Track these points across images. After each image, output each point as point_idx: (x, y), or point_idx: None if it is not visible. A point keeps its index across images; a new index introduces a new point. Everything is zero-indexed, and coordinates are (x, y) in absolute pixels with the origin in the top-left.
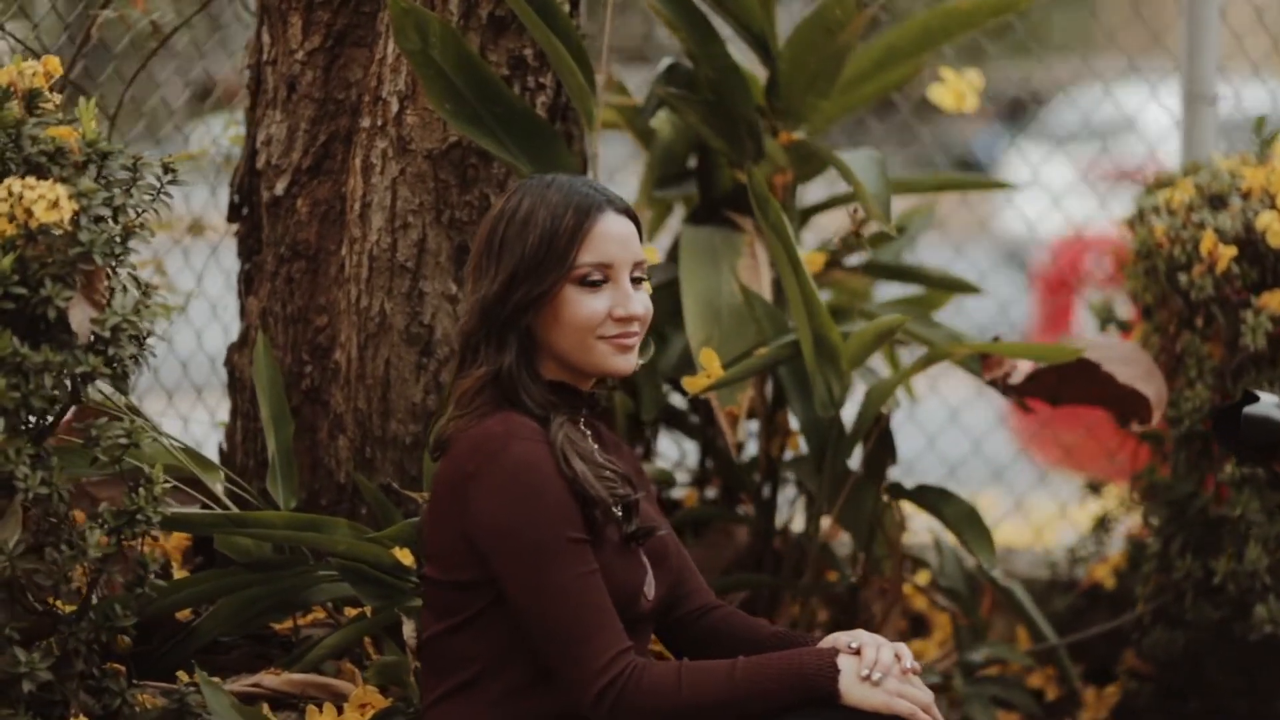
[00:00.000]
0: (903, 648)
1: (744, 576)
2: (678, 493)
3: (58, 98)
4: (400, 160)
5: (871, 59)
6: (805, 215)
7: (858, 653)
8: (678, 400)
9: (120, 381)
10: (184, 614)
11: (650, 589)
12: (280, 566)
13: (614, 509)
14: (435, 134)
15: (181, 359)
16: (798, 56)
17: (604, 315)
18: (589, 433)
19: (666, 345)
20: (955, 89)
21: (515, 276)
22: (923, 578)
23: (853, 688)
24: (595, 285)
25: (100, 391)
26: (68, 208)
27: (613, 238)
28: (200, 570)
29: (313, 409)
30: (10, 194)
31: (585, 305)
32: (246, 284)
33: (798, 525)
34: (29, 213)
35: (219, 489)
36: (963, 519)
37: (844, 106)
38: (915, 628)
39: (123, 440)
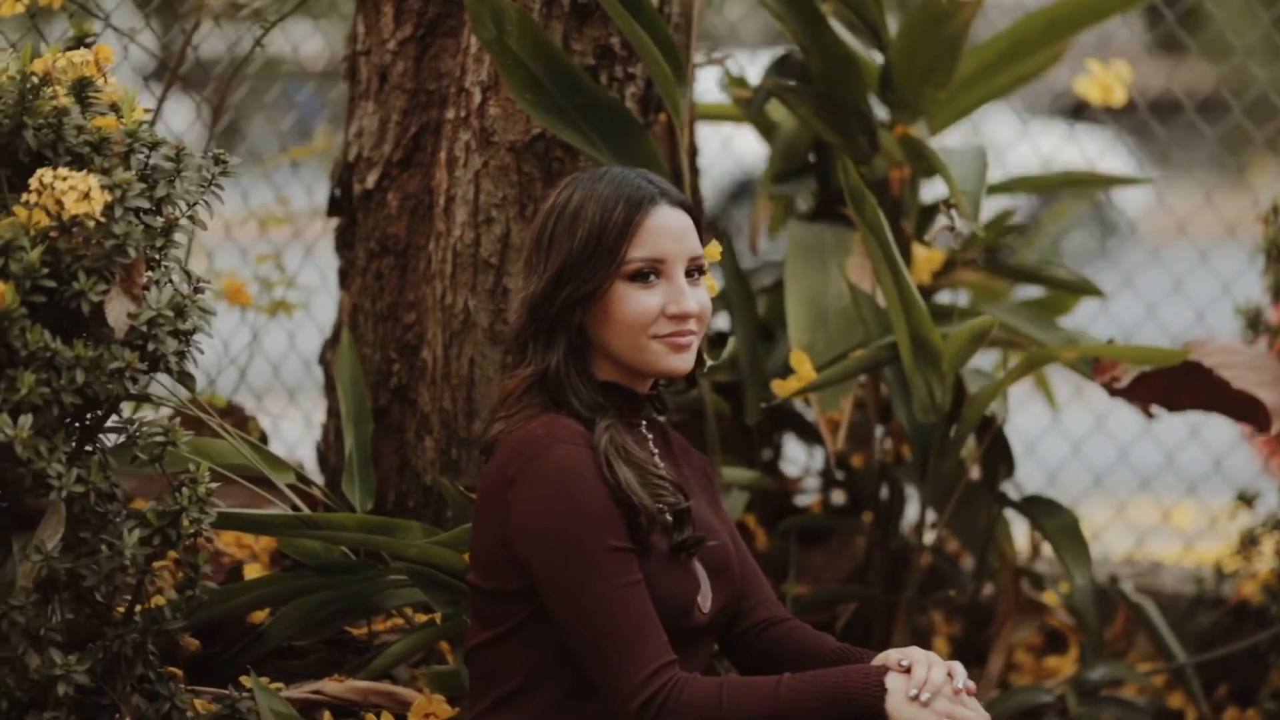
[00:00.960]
0: (956, 666)
1: (843, 588)
2: (805, 499)
3: (113, 86)
4: (483, 153)
5: (998, 51)
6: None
7: (908, 671)
8: (800, 404)
9: (186, 379)
10: (259, 616)
11: (706, 601)
12: (348, 570)
13: (663, 517)
14: (518, 125)
15: (305, 358)
16: (908, 47)
17: (656, 313)
18: (650, 436)
19: (775, 346)
20: (1102, 82)
21: (563, 273)
22: (1054, 592)
23: (900, 708)
24: (647, 281)
25: (165, 388)
26: (99, 199)
27: (665, 231)
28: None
29: (401, 408)
30: (42, 184)
31: (637, 302)
32: (342, 279)
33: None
34: (60, 204)
35: (287, 489)
36: (1062, 531)
37: (975, 100)
38: (1052, 644)
39: (159, 439)
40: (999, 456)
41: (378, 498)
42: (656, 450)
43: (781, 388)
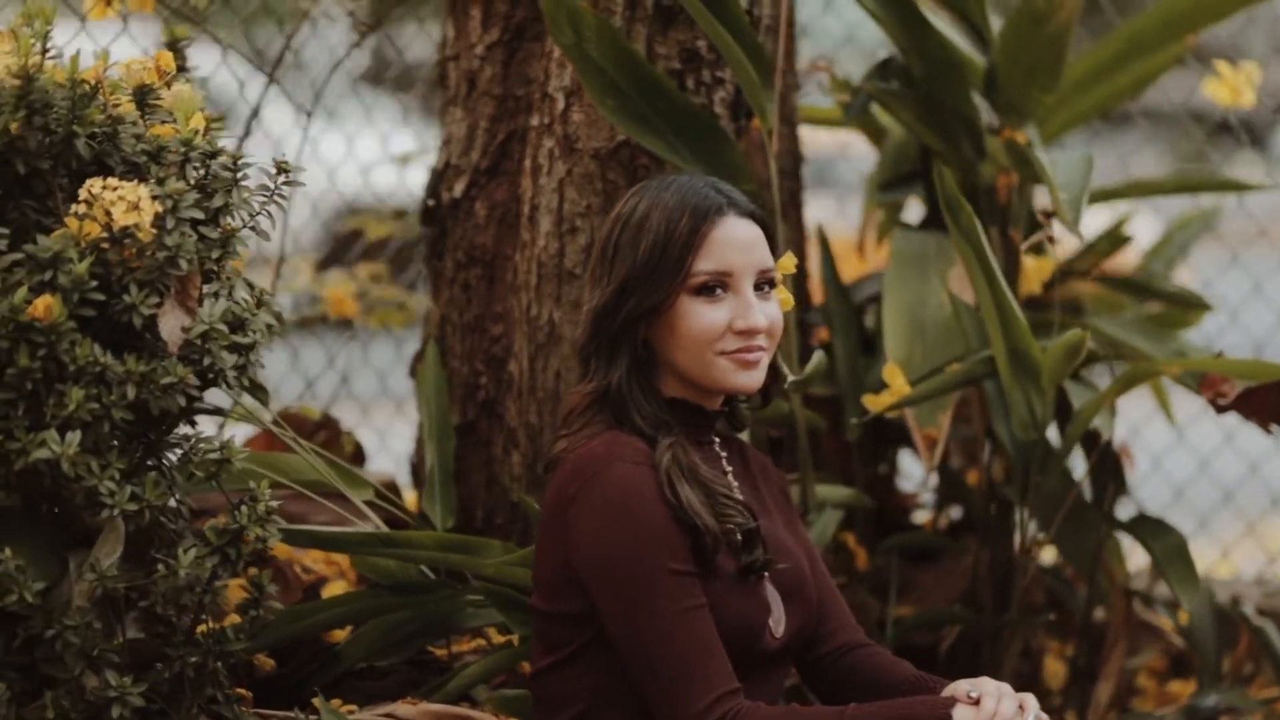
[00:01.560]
0: (1029, 698)
1: (942, 610)
2: (920, 516)
3: (187, 91)
4: (567, 160)
5: (1111, 52)
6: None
7: (977, 703)
8: None
9: (259, 392)
10: (340, 635)
11: (778, 625)
12: (424, 590)
13: (731, 538)
14: (602, 132)
15: None
16: (1010, 49)
17: (723, 328)
18: (724, 454)
19: (879, 359)
20: (1231, 83)
21: (627, 285)
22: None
23: None
24: (713, 295)
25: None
26: (149, 210)
27: (733, 243)
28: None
29: (488, 422)
30: (91, 195)
31: (702, 317)
32: (433, 290)
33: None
34: (109, 215)
35: (364, 505)
36: (1169, 553)
37: (1092, 103)
38: (1176, 668)
39: (214, 455)
40: (1108, 474)
41: (466, 514)
42: (730, 468)
43: (874, 403)
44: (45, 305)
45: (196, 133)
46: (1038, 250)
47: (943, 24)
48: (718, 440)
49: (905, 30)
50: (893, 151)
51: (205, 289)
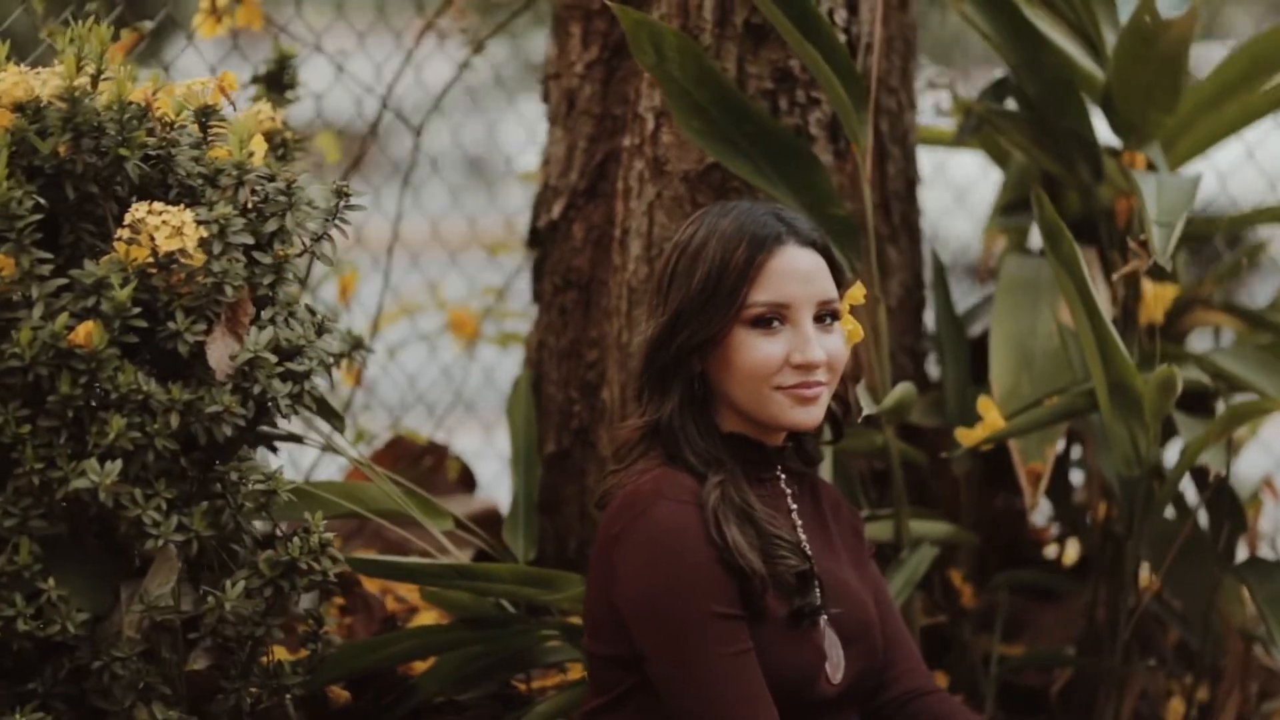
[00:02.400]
0: None
1: (1043, 651)
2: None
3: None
4: (657, 183)
5: (1236, 70)
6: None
7: None
8: None
9: (334, 418)
10: (421, 667)
11: (836, 671)
12: (498, 624)
13: (782, 581)
14: (691, 154)
15: None
16: (1125, 68)
17: (780, 362)
18: (790, 491)
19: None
20: None
21: (681, 316)
22: None
23: None
24: (770, 327)
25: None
26: (193, 235)
27: (791, 274)
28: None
29: (582, 451)
30: (135, 220)
31: (758, 350)
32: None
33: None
34: (153, 240)
35: (441, 536)
36: (1272, 600)
37: (1221, 123)
38: None
39: (260, 486)
40: (1223, 513)
41: (559, 544)
42: (795, 506)
43: (966, 436)
44: (86, 332)
45: (251, 155)
46: (1158, 276)
47: (1059, 38)
48: (784, 477)
49: (1017, 48)
50: (1015, 174)
51: (263, 315)
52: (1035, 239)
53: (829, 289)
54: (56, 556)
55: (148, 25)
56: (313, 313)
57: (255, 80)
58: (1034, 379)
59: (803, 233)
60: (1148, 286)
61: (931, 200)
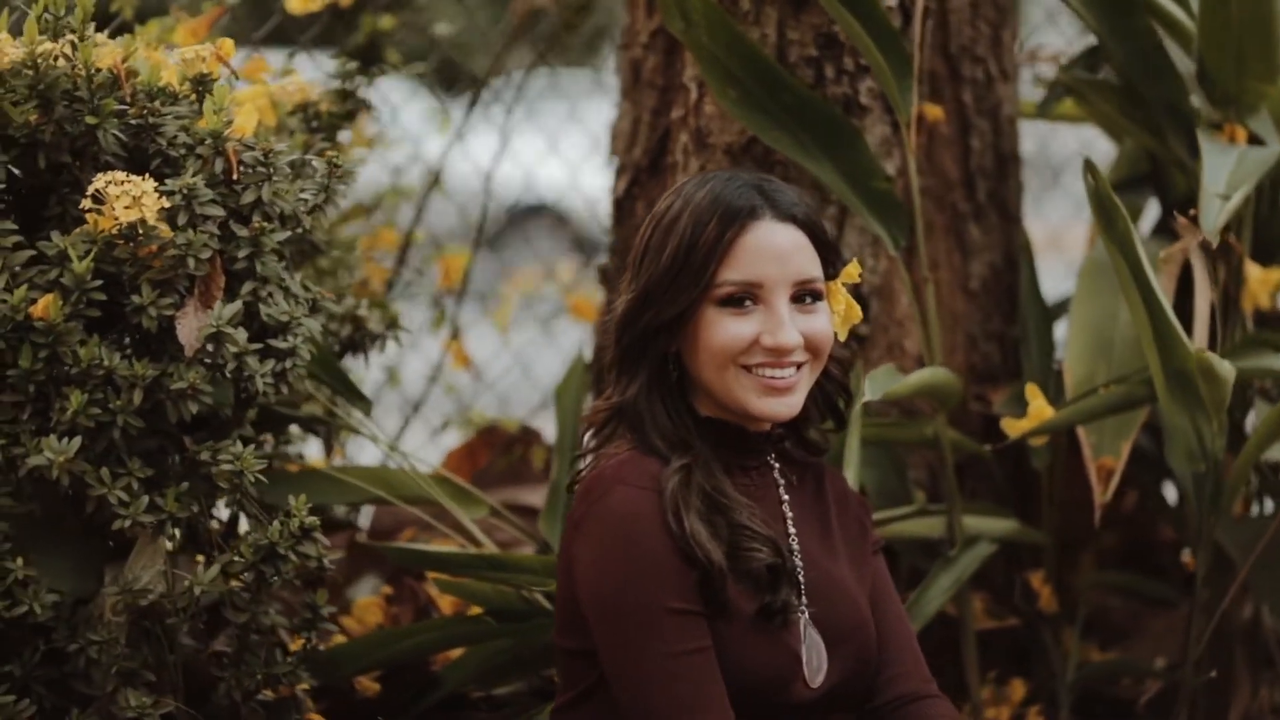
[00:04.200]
0: None
1: (1119, 660)
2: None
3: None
4: (700, 155)
5: None
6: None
7: None
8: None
9: (360, 402)
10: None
11: (816, 673)
12: (521, 616)
13: (757, 575)
14: (734, 125)
15: None
16: (1210, 33)
17: (747, 342)
18: (784, 481)
19: None
20: None
21: (649, 293)
22: None
23: None
24: (741, 307)
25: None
26: (152, 205)
27: (764, 251)
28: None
29: None
30: (96, 189)
31: (725, 330)
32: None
33: None
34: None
35: (471, 525)
36: None
37: None
38: None
39: (228, 466)
40: None
41: None
42: (788, 497)
43: (1012, 427)
44: (44, 304)
45: (228, 124)
46: (1265, 259)
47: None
48: (778, 466)
49: (1102, 14)
50: (1130, 150)
51: (242, 290)
52: (1147, 219)
53: (808, 268)
54: (34, 537)
55: None
56: (307, 287)
57: (344, 53)
58: (1112, 367)
59: (782, 206)
60: (1252, 269)
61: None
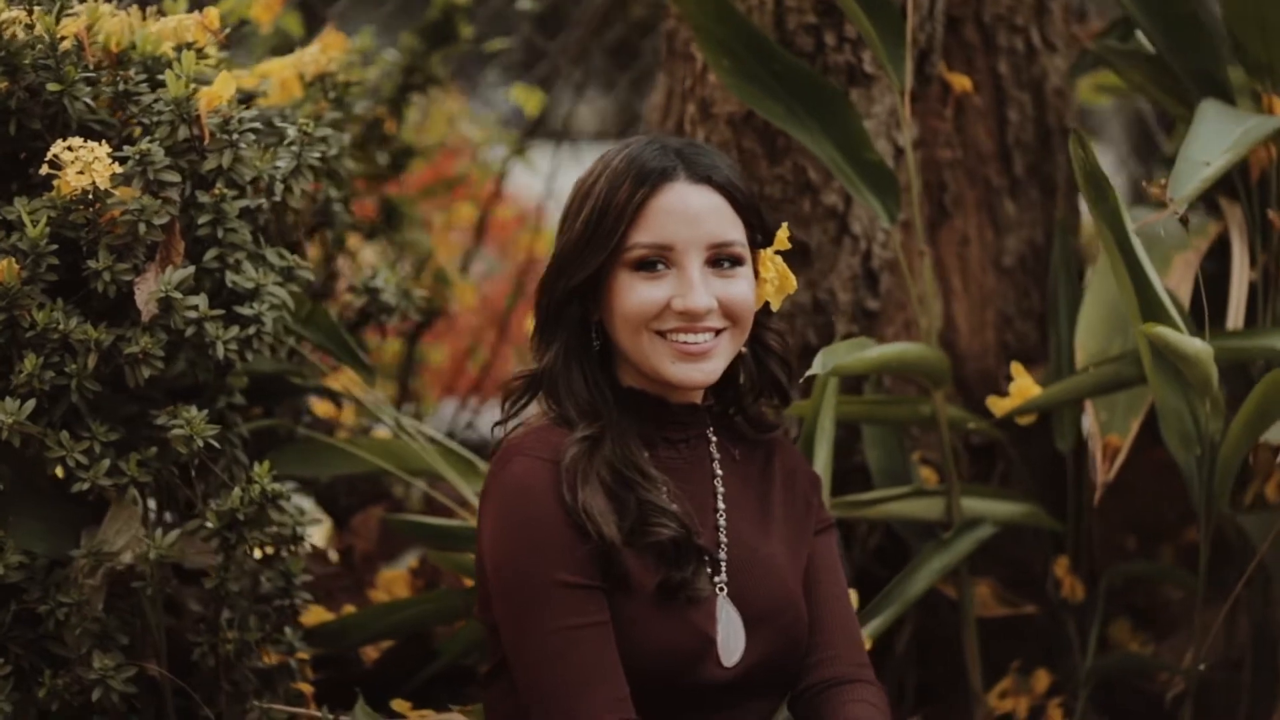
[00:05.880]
0: None
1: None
2: None
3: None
4: (704, 126)
5: None
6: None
7: None
8: None
9: (366, 372)
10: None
11: (731, 653)
12: None
13: (661, 551)
14: (735, 96)
15: None
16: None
17: (659, 307)
18: (719, 455)
19: None
20: None
21: (563, 258)
22: None
23: None
24: (654, 271)
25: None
26: (103, 171)
27: (676, 213)
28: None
29: None
30: (53, 155)
31: (636, 294)
32: None
33: None
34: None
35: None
36: None
37: None
38: None
39: (179, 431)
40: None
41: None
42: (722, 472)
43: (997, 405)
44: (1, 268)
45: (194, 90)
46: None
47: None
48: (715, 440)
49: None
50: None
51: (208, 257)
52: None
53: (723, 230)
54: (5, 499)
55: None
56: (282, 254)
57: (417, 29)
58: (1126, 343)
59: (698, 169)
60: None
61: None
